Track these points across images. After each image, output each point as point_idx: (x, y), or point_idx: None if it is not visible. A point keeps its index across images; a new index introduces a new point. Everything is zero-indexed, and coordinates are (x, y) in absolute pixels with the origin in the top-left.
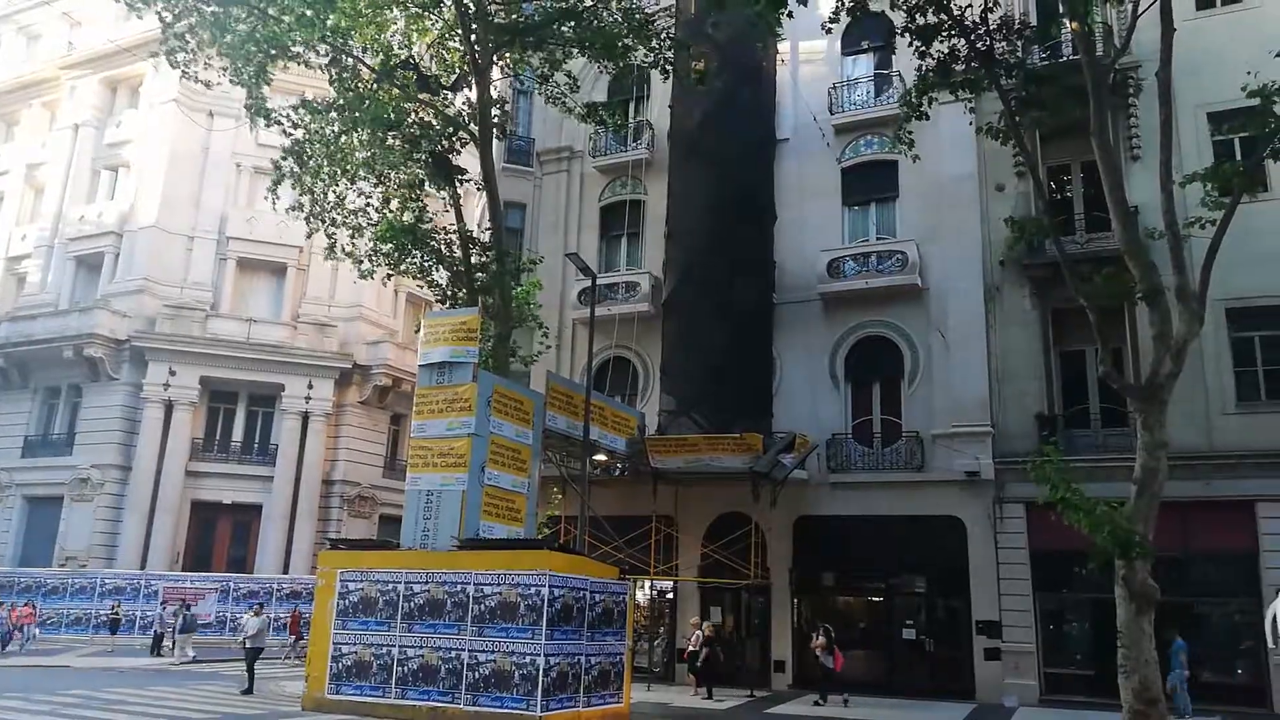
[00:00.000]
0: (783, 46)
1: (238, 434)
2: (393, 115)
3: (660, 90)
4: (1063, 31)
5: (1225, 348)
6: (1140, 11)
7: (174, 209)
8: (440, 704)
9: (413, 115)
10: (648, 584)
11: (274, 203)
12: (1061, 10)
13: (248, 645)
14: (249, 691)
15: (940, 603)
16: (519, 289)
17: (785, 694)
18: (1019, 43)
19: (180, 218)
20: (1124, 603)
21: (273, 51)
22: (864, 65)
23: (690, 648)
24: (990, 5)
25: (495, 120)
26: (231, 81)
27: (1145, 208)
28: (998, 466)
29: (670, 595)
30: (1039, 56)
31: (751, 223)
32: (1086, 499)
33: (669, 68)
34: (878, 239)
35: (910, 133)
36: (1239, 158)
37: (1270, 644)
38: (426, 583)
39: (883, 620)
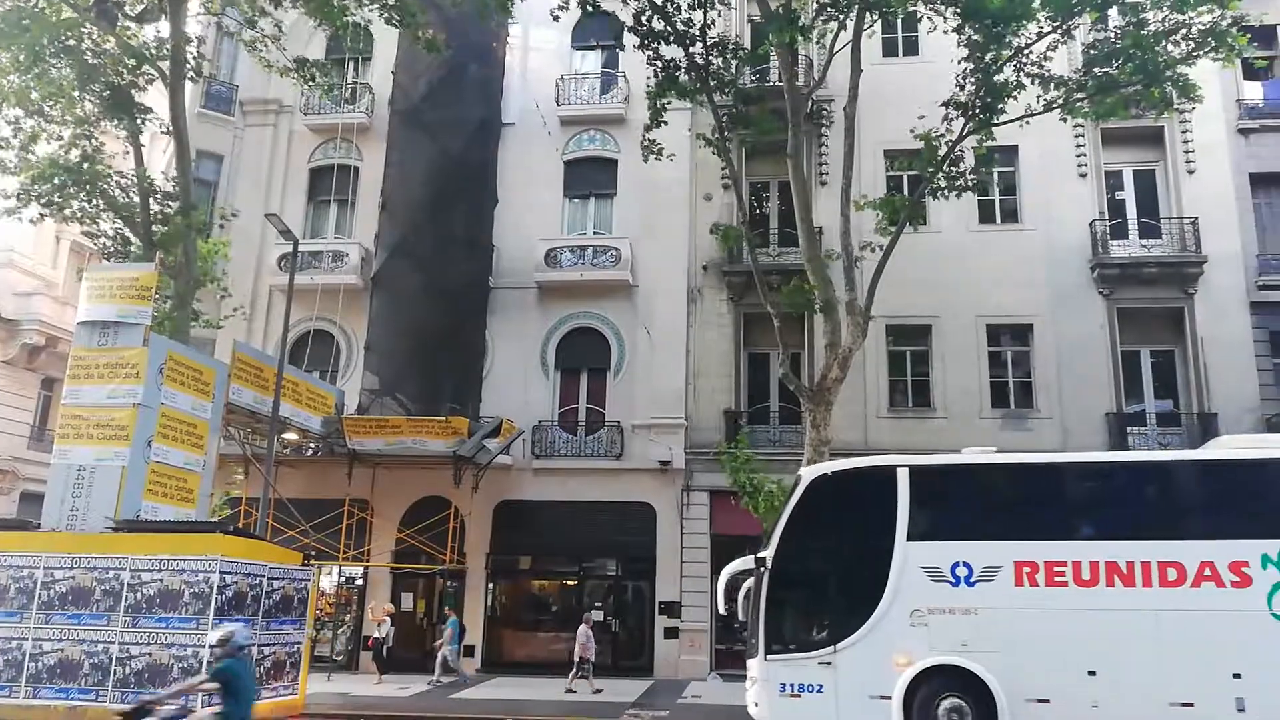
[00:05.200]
0: (515, 30)
1: None
2: (60, 40)
3: (383, 54)
4: (771, 57)
5: (883, 359)
6: (836, 50)
7: None
8: (81, 703)
9: (88, 41)
10: (336, 570)
11: None
12: (770, 38)
13: None
14: None
15: (629, 585)
16: (205, 245)
17: (474, 678)
18: (733, 61)
19: None
20: None
21: None
22: (592, 61)
23: (376, 635)
24: (709, 22)
25: (190, 59)
26: None
27: (829, 229)
28: (688, 457)
29: (360, 581)
30: (750, 78)
31: (471, 203)
32: (763, 487)
33: (396, 26)
34: (595, 233)
35: (657, 142)
36: (906, 192)
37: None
38: (71, 568)
39: (574, 603)
